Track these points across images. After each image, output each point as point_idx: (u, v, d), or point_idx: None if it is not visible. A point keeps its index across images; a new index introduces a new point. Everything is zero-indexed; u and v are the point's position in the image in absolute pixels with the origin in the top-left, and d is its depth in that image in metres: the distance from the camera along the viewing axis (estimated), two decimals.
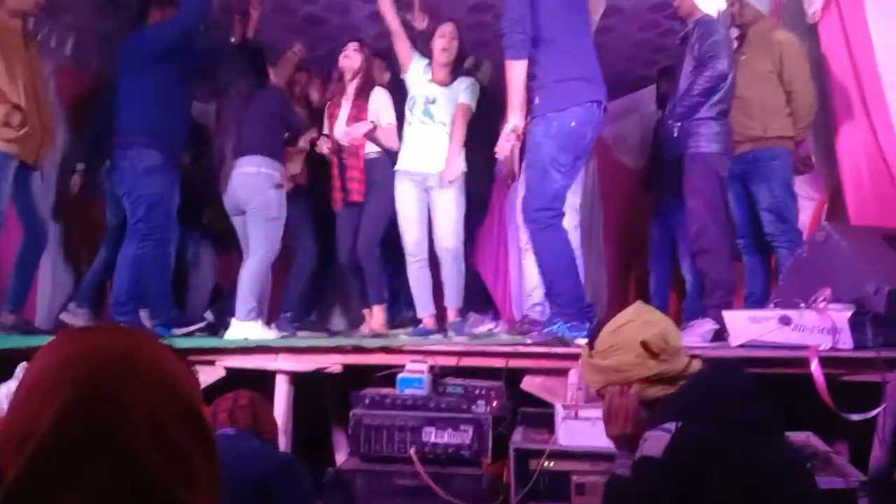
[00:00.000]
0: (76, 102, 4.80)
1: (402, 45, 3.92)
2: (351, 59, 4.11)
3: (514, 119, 3.05)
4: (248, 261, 3.84)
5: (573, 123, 3.00)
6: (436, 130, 3.80)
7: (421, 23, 4.02)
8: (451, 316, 3.81)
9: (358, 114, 4.06)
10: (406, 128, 3.90)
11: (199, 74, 4.39)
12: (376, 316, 4.10)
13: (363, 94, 4.10)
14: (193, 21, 3.90)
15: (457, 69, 3.90)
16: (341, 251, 4.21)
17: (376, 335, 3.83)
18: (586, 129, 3.06)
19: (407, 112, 3.89)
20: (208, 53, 4.35)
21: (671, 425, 1.43)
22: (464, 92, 3.83)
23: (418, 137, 3.83)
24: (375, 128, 3.98)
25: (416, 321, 3.95)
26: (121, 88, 3.99)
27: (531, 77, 3.11)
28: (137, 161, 3.83)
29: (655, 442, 1.43)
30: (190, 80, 4.24)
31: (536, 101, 3.08)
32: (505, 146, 3.12)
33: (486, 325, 4.07)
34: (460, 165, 3.75)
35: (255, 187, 3.80)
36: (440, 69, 3.86)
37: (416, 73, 3.91)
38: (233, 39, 4.36)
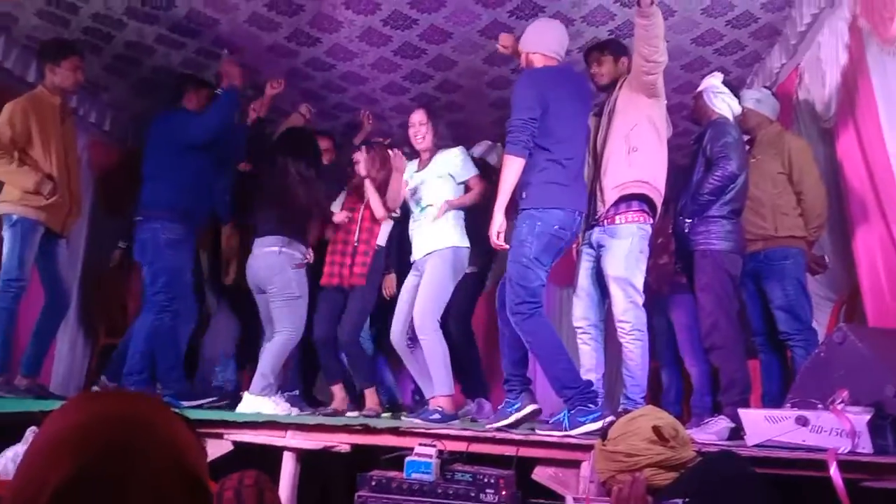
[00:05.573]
0: (108, 175, 4.98)
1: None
2: (358, 162, 4.15)
3: (499, 219, 3.09)
4: (273, 338, 3.86)
5: (556, 226, 3.06)
6: (425, 216, 3.86)
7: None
8: (432, 404, 3.61)
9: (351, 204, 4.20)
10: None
11: (229, 161, 4.54)
12: (368, 398, 4.08)
13: (359, 188, 4.18)
14: (222, 125, 4.08)
15: (437, 147, 3.94)
16: (319, 327, 4.10)
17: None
18: (567, 232, 3.11)
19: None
20: (238, 143, 4.47)
21: (679, 501, 1.51)
22: (451, 167, 3.85)
23: (416, 231, 3.91)
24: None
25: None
26: (148, 163, 4.12)
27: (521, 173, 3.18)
28: (161, 234, 3.92)
29: None
30: (219, 161, 4.36)
31: (524, 195, 3.13)
32: (497, 244, 3.13)
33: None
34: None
35: (274, 267, 3.86)
36: (421, 155, 4.00)
37: (409, 174, 4.02)
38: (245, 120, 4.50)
